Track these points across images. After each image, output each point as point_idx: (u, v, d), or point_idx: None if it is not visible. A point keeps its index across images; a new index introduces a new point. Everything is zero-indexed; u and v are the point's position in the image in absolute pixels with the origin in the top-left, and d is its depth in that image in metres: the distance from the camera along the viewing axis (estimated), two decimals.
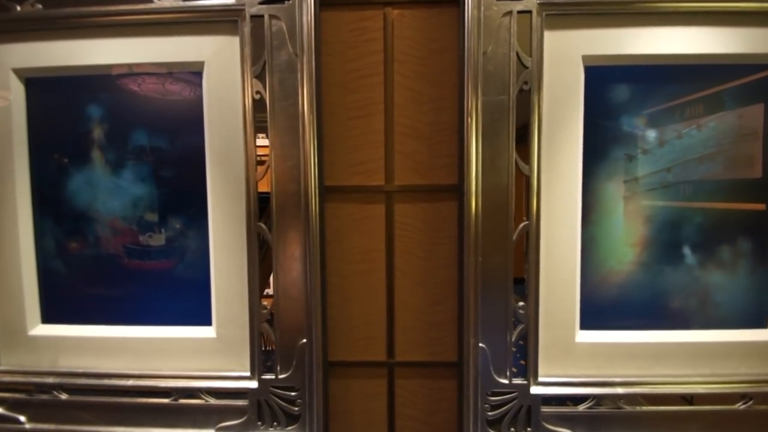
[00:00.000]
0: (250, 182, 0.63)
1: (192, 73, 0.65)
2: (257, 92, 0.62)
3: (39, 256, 0.68)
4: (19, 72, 0.66)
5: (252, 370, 0.65)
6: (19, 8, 0.63)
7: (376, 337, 0.71)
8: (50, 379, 0.67)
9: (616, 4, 0.60)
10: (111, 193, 0.67)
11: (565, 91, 0.62)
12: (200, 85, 0.64)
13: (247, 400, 0.65)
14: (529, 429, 0.63)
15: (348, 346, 0.71)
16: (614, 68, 0.63)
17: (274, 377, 0.64)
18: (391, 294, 0.70)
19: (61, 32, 0.64)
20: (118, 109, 0.66)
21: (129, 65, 0.65)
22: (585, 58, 0.62)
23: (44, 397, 0.68)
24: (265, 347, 0.66)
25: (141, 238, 0.68)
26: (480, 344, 0.62)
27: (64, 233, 0.68)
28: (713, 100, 0.63)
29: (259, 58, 0.61)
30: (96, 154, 0.67)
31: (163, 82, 0.66)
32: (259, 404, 0.65)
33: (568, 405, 0.64)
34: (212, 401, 0.66)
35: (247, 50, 0.61)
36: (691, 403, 0.65)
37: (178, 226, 0.67)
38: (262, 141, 0.63)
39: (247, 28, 0.61)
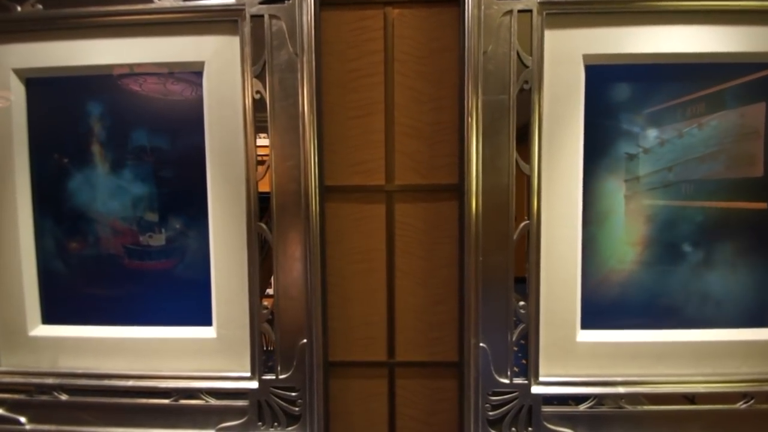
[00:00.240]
0: (251, 182, 0.63)
1: (192, 73, 0.65)
2: (257, 92, 0.62)
3: (39, 256, 0.68)
4: (19, 72, 0.66)
5: (252, 371, 0.65)
6: (19, 8, 0.63)
7: (377, 337, 0.71)
8: (50, 380, 0.67)
9: (617, 3, 0.60)
10: (111, 193, 0.67)
11: (565, 90, 0.62)
12: (201, 85, 0.64)
13: (247, 401, 0.65)
14: (530, 429, 0.63)
15: (348, 346, 0.71)
16: (615, 67, 0.63)
17: (274, 377, 0.64)
18: (392, 294, 0.70)
19: (62, 32, 0.65)
20: (119, 109, 0.66)
21: (129, 65, 0.65)
22: (585, 57, 0.62)
23: (44, 397, 0.68)
24: (266, 347, 0.66)
25: (141, 238, 0.68)
26: (481, 344, 0.62)
27: (64, 233, 0.68)
28: (714, 99, 0.63)
29: (259, 58, 0.61)
30: (96, 154, 0.67)
31: (164, 82, 0.66)
32: (259, 404, 0.65)
33: (569, 404, 0.64)
34: (212, 402, 0.66)
35: (248, 50, 0.61)
36: (693, 403, 0.65)
37: (178, 226, 0.67)
38: (262, 141, 0.63)
39: (247, 27, 0.61)
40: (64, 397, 0.67)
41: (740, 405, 0.64)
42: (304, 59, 0.60)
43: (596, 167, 0.64)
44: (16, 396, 0.68)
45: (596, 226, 0.65)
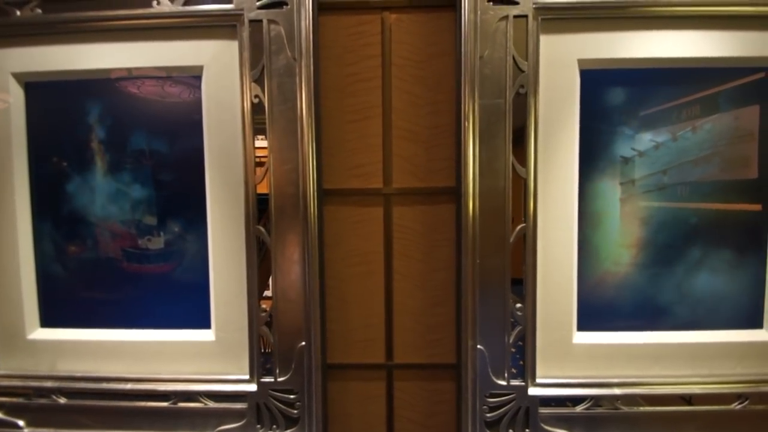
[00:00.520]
0: (249, 185, 0.63)
1: (191, 76, 0.65)
2: (256, 96, 0.62)
3: (38, 259, 0.69)
4: (18, 76, 0.66)
5: (251, 373, 0.65)
6: (18, 13, 0.64)
7: (375, 339, 0.71)
8: (49, 383, 0.67)
9: (611, 8, 0.61)
10: (110, 196, 0.68)
11: (560, 94, 0.63)
12: (199, 87, 0.65)
13: (246, 403, 0.65)
14: (527, 430, 0.63)
15: (347, 349, 0.71)
16: (609, 72, 0.63)
17: (273, 380, 0.64)
18: (390, 296, 0.70)
19: (61, 37, 0.65)
20: (117, 113, 0.67)
21: (128, 69, 0.65)
22: (580, 61, 0.62)
23: (43, 401, 0.67)
24: (264, 350, 0.66)
25: (140, 241, 0.68)
26: (478, 346, 0.62)
27: (63, 237, 0.68)
28: (709, 102, 0.63)
29: (257, 63, 0.62)
30: (95, 158, 0.67)
31: (162, 84, 0.66)
32: (258, 407, 0.65)
33: (566, 406, 0.64)
34: (211, 404, 0.66)
35: (246, 54, 0.62)
36: (690, 404, 0.65)
37: (177, 229, 0.67)
38: (261, 143, 0.63)
39: (245, 32, 0.61)
40: (62, 400, 0.67)
41: (735, 406, 0.64)
42: (303, 64, 0.61)
43: (591, 170, 0.64)
44: (14, 399, 0.68)
45: (592, 228, 0.65)
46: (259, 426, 0.65)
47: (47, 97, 0.67)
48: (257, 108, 0.62)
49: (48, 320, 0.69)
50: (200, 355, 0.67)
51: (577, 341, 0.65)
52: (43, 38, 0.65)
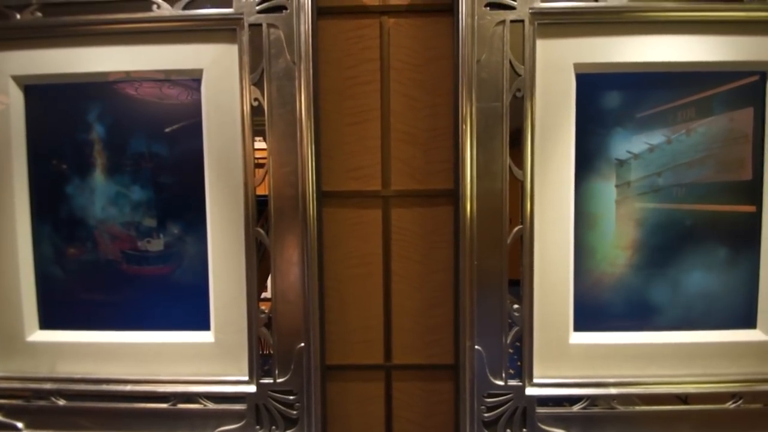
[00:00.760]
0: (249, 187, 0.64)
1: (190, 79, 0.66)
2: (255, 99, 0.62)
3: (37, 261, 0.69)
4: (18, 79, 0.66)
5: (250, 375, 0.65)
6: (18, 16, 0.64)
7: (374, 340, 0.71)
8: (48, 385, 0.67)
9: (607, 13, 0.62)
10: (109, 198, 0.68)
11: (557, 97, 0.63)
12: (198, 89, 0.65)
13: (245, 404, 0.65)
14: (524, 430, 0.64)
15: (345, 350, 0.71)
16: (605, 75, 0.64)
17: (272, 381, 0.65)
18: (388, 298, 0.71)
19: (61, 40, 0.65)
20: (117, 116, 0.67)
21: (128, 73, 0.66)
22: (576, 65, 0.63)
23: (42, 403, 0.67)
24: (263, 351, 0.66)
25: (139, 243, 0.68)
26: (476, 347, 0.63)
27: (62, 239, 0.68)
28: (703, 105, 0.64)
29: (257, 66, 0.62)
30: (94, 160, 0.67)
31: (160, 86, 0.66)
32: (257, 408, 0.65)
33: (563, 406, 0.65)
34: (210, 406, 0.66)
35: (246, 58, 0.62)
36: (686, 403, 0.66)
37: (176, 231, 0.68)
38: (259, 144, 0.64)
39: (245, 36, 0.62)
40: (61, 402, 0.67)
41: (730, 405, 0.65)
42: (302, 67, 0.61)
43: (587, 172, 0.65)
44: (13, 401, 0.68)
45: (588, 230, 0.66)
46: (258, 427, 0.65)
47: (47, 99, 0.67)
48: (257, 111, 0.63)
49: (47, 322, 0.69)
50: (199, 357, 0.67)
51: (574, 341, 0.66)
52: (43, 41, 0.65)
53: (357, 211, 0.70)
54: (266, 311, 0.65)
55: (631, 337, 0.66)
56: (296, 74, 0.61)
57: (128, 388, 0.67)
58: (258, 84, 0.62)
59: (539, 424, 0.64)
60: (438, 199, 0.70)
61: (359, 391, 0.72)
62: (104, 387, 0.67)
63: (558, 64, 0.63)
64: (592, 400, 0.65)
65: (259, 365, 0.65)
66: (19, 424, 0.68)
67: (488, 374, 0.63)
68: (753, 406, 0.65)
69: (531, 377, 0.64)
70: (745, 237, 0.66)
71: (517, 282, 0.64)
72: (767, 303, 0.65)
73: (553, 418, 0.65)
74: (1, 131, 0.67)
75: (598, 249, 0.66)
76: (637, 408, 0.65)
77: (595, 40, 0.63)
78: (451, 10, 0.64)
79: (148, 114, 0.67)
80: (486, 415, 0.64)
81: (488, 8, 0.60)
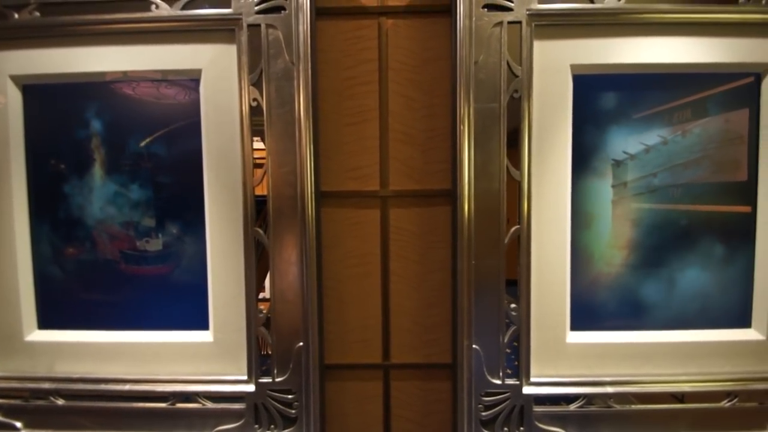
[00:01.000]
0: (247, 187, 0.64)
1: (189, 79, 0.66)
2: (254, 99, 0.63)
3: (35, 261, 0.69)
4: (16, 78, 0.66)
5: (249, 374, 0.66)
6: (17, 16, 0.64)
7: (372, 339, 0.72)
8: (46, 385, 0.67)
9: (603, 15, 0.62)
10: (108, 198, 0.68)
11: (554, 98, 0.64)
12: (195, 89, 0.65)
13: (244, 404, 0.66)
14: (521, 428, 0.64)
15: (344, 349, 0.72)
16: (601, 77, 0.64)
17: (271, 380, 0.65)
18: (387, 297, 0.71)
19: (59, 40, 0.65)
20: (115, 115, 0.67)
21: (125, 73, 0.66)
22: (573, 67, 0.63)
23: (40, 402, 0.68)
24: (262, 351, 0.66)
25: (138, 243, 0.68)
26: (474, 346, 0.63)
27: (60, 238, 0.68)
28: (699, 106, 0.65)
29: (256, 66, 0.62)
30: (93, 160, 0.67)
31: (157, 86, 0.66)
32: (256, 407, 0.65)
33: (560, 404, 0.65)
34: (209, 405, 0.66)
35: (244, 58, 0.62)
36: (682, 402, 0.66)
37: (175, 231, 0.68)
38: (258, 144, 0.64)
39: (244, 36, 0.62)
40: (60, 401, 0.67)
41: (725, 403, 0.66)
42: (301, 67, 0.61)
43: (584, 173, 0.66)
44: (11, 401, 0.68)
45: (584, 230, 0.66)
46: (257, 426, 0.65)
47: (45, 99, 0.67)
48: (255, 111, 0.63)
49: (45, 322, 0.69)
50: (198, 356, 0.67)
51: (571, 341, 0.66)
52: (42, 41, 0.65)
53: (355, 211, 0.70)
54: (265, 311, 0.65)
55: (627, 337, 0.67)
56: (295, 74, 0.62)
57: (127, 387, 0.67)
58: (257, 84, 0.62)
59: (536, 423, 0.64)
60: (436, 199, 0.70)
61: (358, 390, 0.72)
62: (103, 386, 0.67)
63: (555, 65, 0.63)
64: (589, 398, 0.65)
65: (258, 364, 0.65)
66: (18, 424, 0.68)
67: (486, 373, 0.64)
68: (748, 404, 0.65)
69: (528, 376, 0.65)
70: (739, 237, 0.66)
71: (515, 282, 0.64)
72: (762, 302, 0.66)
73: (550, 416, 0.65)
74: None
75: (594, 249, 0.67)
76: (634, 407, 0.66)
77: (591, 42, 0.63)
78: (449, 11, 0.65)
79: (147, 114, 0.67)
80: (483, 413, 0.64)
81: (486, 9, 0.61)
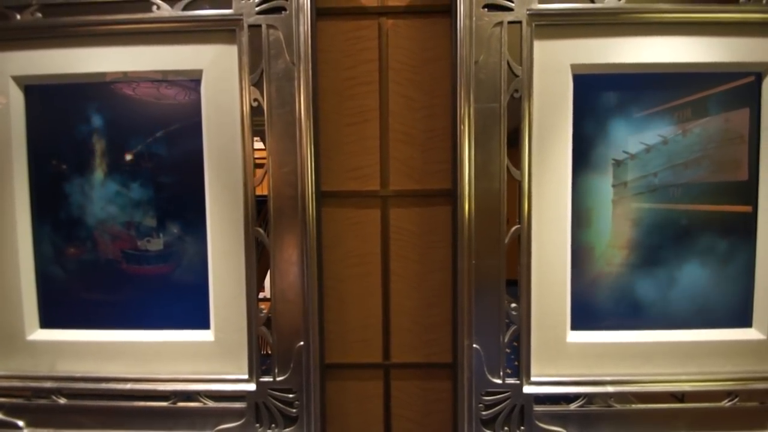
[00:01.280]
0: (248, 187, 0.64)
1: (190, 80, 0.66)
2: (255, 99, 0.63)
3: (37, 261, 0.69)
4: (18, 79, 0.67)
5: (250, 373, 0.66)
6: (18, 17, 0.64)
7: (372, 339, 0.72)
8: (48, 384, 0.68)
9: (603, 14, 0.62)
10: (109, 198, 0.68)
11: (554, 98, 0.64)
12: (196, 89, 0.65)
13: (245, 403, 0.66)
14: (522, 428, 0.64)
15: (344, 349, 0.72)
16: (602, 76, 0.64)
17: (271, 380, 0.65)
18: (387, 297, 0.71)
19: (61, 41, 0.65)
20: (116, 116, 0.67)
21: (125, 73, 0.66)
22: (573, 66, 0.63)
23: (42, 401, 0.68)
24: (262, 350, 0.66)
25: (139, 243, 0.68)
26: (474, 345, 0.63)
27: (62, 238, 0.69)
28: (700, 106, 0.65)
29: (256, 67, 0.62)
30: (94, 160, 0.68)
31: (158, 86, 0.66)
32: (257, 406, 0.66)
33: (560, 404, 0.66)
34: (210, 404, 0.67)
35: (245, 59, 0.62)
36: (682, 401, 0.66)
37: (176, 230, 0.68)
38: (259, 144, 0.64)
39: (245, 37, 0.62)
40: (62, 400, 0.68)
41: (725, 403, 0.66)
42: (301, 68, 0.62)
43: (584, 173, 0.66)
44: (14, 400, 0.68)
45: (585, 229, 0.66)
46: (258, 425, 0.66)
47: (47, 100, 0.67)
48: (256, 111, 0.63)
49: (47, 321, 0.70)
50: (199, 356, 0.67)
51: (571, 340, 0.66)
52: (43, 42, 0.65)
53: (356, 211, 0.70)
54: (265, 310, 0.65)
55: (627, 336, 0.67)
56: (295, 75, 0.62)
57: (128, 386, 0.67)
58: (257, 84, 0.63)
59: (537, 422, 0.65)
60: (436, 199, 0.70)
61: (358, 389, 0.72)
62: (104, 385, 0.67)
63: (555, 65, 0.63)
64: (589, 398, 0.65)
65: (259, 364, 0.65)
66: (20, 423, 0.68)
67: (486, 373, 0.64)
68: (749, 404, 0.65)
69: (528, 376, 0.65)
70: (740, 237, 0.66)
71: (515, 281, 0.64)
72: (762, 302, 0.66)
73: (550, 416, 0.65)
74: (1, 131, 0.67)
75: (595, 248, 0.67)
76: (634, 406, 0.66)
77: (591, 42, 0.63)
78: (449, 11, 0.65)
79: (149, 114, 0.67)
80: (484, 413, 0.64)
81: (486, 9, 0.61)
